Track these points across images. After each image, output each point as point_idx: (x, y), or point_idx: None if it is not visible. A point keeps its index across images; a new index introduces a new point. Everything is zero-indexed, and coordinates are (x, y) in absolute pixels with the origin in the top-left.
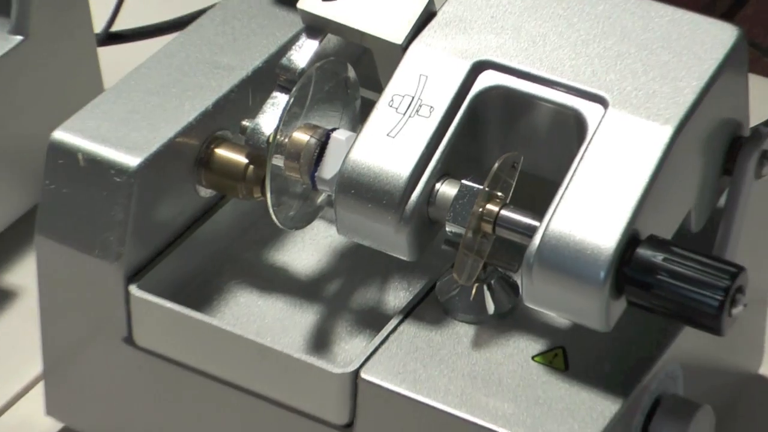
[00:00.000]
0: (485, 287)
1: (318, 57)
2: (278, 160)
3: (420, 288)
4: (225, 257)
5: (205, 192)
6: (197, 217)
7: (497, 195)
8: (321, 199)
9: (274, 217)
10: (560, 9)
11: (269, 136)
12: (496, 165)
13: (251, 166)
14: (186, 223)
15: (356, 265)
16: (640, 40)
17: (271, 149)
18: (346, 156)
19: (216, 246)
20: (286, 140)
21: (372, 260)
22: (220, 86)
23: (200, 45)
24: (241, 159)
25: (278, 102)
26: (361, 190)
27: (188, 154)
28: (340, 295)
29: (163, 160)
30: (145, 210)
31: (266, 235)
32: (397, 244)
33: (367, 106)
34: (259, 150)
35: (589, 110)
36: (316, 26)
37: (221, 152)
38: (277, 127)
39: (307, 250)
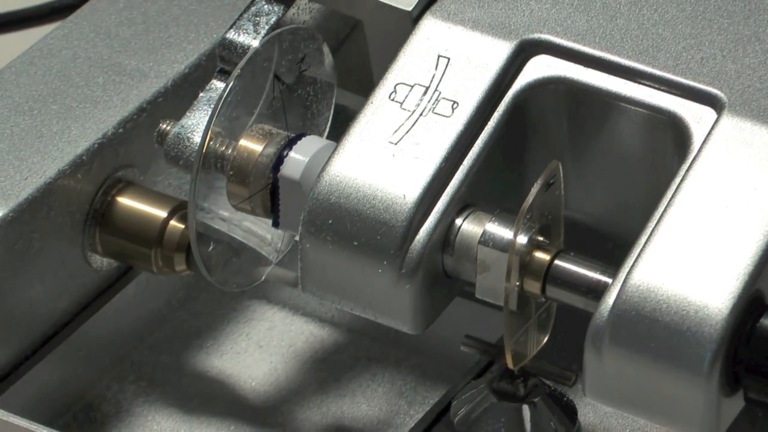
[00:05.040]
0: (526, 408)
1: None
2: (209, 182)
3: (426, 409)
4: (129, 363)
5: (101, 262)
6: (88, 302)
7: (538, 241)
8: (282, 240)
9: (202, 268)
10: None
11: (200, 144)
12: (534, 190)
13: (172, 222)
14: (71, 309)
15: (329, 374)
16: None
17: (198, 161)
18: (322, 171)
19: (116, 345)
20: (229, 151)
21: (353, 365)
22: (125, 102)
23: (94, 39)
24: (156, 211)
25: (217, 95)
26: (343, 223)
27: (76, 206)
28: (307, 422)
29: (36, 214)
30: (9, 289)
31: (193, 329)
32: (395, 306)
33: (347, 119)
34: (185, 167)
35: (694, 115)
36: None
37: (126, 202)
38: (208, 126)
39: (256, 351)
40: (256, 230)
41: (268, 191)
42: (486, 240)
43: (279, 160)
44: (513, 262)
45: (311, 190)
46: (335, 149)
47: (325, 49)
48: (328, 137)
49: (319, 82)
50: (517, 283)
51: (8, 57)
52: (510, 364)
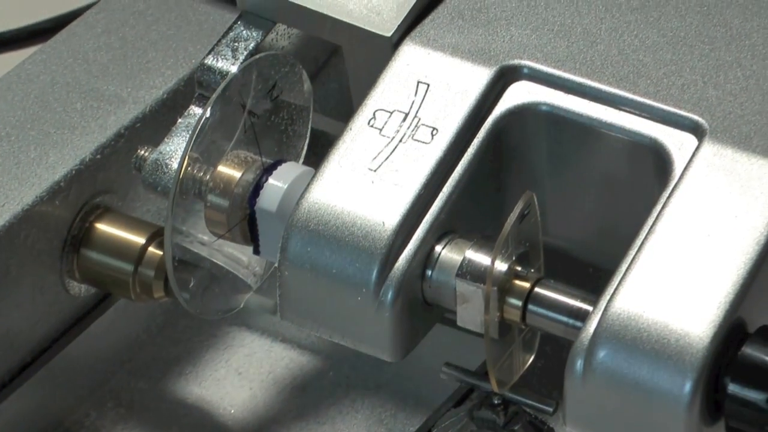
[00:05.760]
0: None
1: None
2: (188, 206)
3: None
4: (108, 390)
5: (79, 289)
6: (66, 328)
7: (516, 270)
8: (262, 265)
9: (179, 295)
10: None
11: (177, 172)
12: (509, 222)
13: (150, 248)
14: (49, 336)
15: (309, 400)
16: (749, 43)
17: (174, 190)
18: (301, 199)
19: (95, 372)
20: (207, 177)
21: (332, 392)
22: (103, 128)
23: (72, 64)
24: (134, 238)
25: (195, 121)
26: (322, 250)
27: (54, 232)
28: None
29: (14, 241)
30: None
31: (172, 355)
32: (374, 334)
33: (326, 145)
34: (163, 194)
35: (675, 142)
36: (259, 14)
37: (104, 228)
38: (185, 153)
39: (235, 378)
40: (235, 255)
41: (247, 222)
42: (464, 273)
43: (256, 189)
44: (491, 294)
45: (290, 217)
46: (314, 176)
47: (303, 74)
48: (306, 163)
49: (296, 107)
50: (498, 313)
51: None
52: (495, 389)
